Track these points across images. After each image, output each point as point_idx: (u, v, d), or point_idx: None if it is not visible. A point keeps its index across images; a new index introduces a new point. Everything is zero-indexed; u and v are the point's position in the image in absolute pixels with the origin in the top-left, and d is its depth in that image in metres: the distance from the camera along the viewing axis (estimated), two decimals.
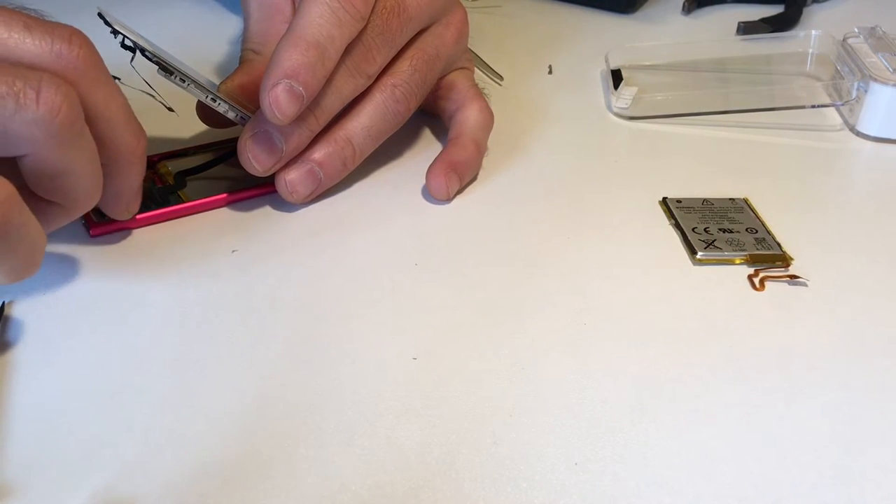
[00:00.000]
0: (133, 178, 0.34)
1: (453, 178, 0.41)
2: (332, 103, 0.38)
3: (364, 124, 0.40)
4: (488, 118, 0.44)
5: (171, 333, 0.33)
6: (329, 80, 0.37)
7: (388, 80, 0.41)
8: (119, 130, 0.32)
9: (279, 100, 0.35)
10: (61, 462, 0.27)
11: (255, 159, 0.38)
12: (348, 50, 0.38)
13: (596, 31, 0.61)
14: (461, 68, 0.46)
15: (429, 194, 0.41)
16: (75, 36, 0.30)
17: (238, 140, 0.38)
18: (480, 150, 0.43)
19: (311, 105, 0.37)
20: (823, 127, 0.50)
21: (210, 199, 0.39)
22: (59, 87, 0.28)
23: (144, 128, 0.34)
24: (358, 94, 0.40)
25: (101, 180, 0.32)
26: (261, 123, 0.37)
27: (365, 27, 0.38)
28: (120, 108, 0.32)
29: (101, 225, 0.37)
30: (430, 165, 0.41)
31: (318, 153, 0.39)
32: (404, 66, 0.41)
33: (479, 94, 0.45)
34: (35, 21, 0.30)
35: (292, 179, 0.39)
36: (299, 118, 0.37)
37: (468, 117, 0.43)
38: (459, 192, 0.42)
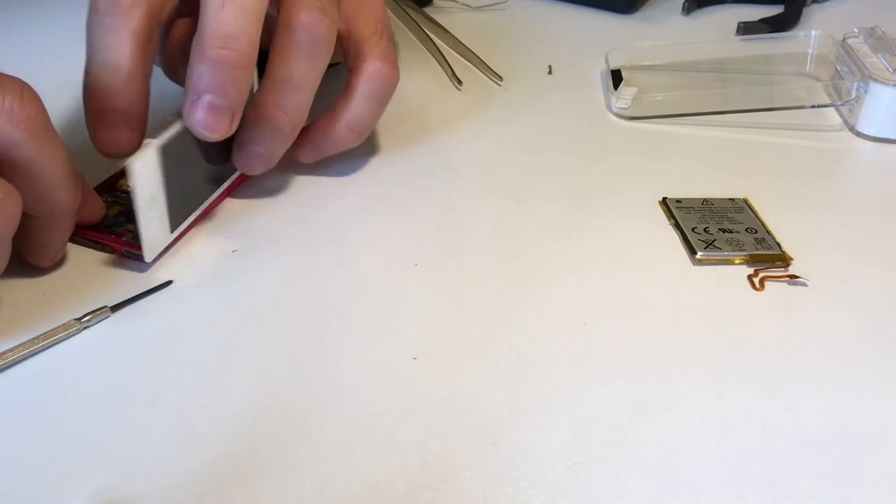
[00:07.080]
0: (65, 232, 0.34)
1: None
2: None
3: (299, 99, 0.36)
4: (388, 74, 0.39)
5: (171, 333, 0.33)
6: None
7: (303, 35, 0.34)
8: (60, 187, 0.32)
9: (205, 121, 0.33)
10: (61, 462, 0.27)
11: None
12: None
13: (596, 31, 0.61)
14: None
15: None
16: (26, 92, 0.30)
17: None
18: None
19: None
20: (823, 127, 0.50)
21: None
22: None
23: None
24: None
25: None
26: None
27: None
28: (63, 164, 0.32)
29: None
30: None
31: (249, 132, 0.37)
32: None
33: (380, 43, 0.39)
34: None
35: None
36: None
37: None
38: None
